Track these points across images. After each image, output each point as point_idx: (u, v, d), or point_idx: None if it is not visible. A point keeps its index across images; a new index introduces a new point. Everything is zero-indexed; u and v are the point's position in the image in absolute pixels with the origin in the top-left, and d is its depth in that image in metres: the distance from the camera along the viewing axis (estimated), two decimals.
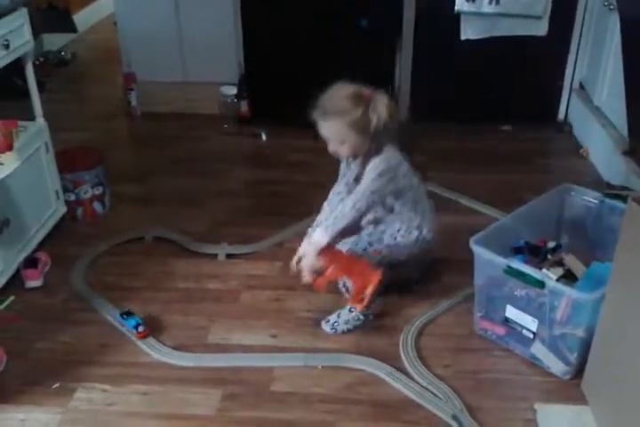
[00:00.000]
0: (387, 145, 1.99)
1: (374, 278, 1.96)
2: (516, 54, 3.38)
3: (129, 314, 2.07)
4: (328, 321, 2.09)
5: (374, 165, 1.97)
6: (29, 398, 1.84)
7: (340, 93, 1.95)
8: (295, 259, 1.99)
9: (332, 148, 1.99)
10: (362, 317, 2.10)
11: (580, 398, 1.83)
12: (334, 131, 1.94)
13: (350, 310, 2.10)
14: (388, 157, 1.98)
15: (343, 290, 2.15)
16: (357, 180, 2.06)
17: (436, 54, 3.42)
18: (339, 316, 2.10)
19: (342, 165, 2.15)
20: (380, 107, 1.91)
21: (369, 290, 1.95)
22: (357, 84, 1.96)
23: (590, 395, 1.82)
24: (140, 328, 2.03)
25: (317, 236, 1.94)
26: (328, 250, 1.95)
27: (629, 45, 2.86)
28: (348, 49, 3.37)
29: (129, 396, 1.86)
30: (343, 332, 2.07)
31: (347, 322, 2.09)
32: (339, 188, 2.18)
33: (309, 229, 2.15)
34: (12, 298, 2.22)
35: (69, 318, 2.15)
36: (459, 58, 3.39)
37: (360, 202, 1.95)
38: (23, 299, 2.23)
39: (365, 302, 1.99)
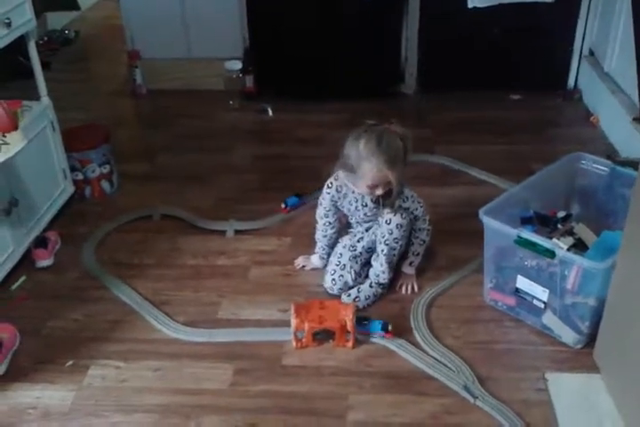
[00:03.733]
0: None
1: (349, 311, 1.92)
2: (524, 21, 3.31)
3: (367, 319, 1.95)
4: (349, 295, 2.08)
5: (415, 200, 2.11)
6: (44, 376, 1.86)
7: (393, 134, 1.95)
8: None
9: (379, 192, 1.99)
10: (381, 291, 2.11)
11: (591, 367, 1.83)
12: (395, 175, 1.94)
13: (371, 286, 2.10)
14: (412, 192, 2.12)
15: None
16: (374, 215, 2.11)
17: (443, 23, 3.36)
18: (359, 291, 2.09)
19: (327, 197, 2.13)
20: (409, 137, 1.97)
21: (349, 326, 1.90)
22: (378, 122, 1.99)
23: (602, 364, 1.82)
24: (390, 327, 1.92)
25: (412, 271, 2.18)
26: (299, 307, 1.94)
27: None
28: (353, 20, 3.33)
29: (142, 372, 1.87)
30: (364, 307, 2.07)
31: (367, 298, 2.09)
32: (327, 219, 2.18)
33: (312, 257, 2.25)
34: (23, 278, 2.23)
35: (81, 296, 2.17)
36: (466, 26, 3.34)
37: (426, 213, 2.15)
38: (34, 278, 2.25)
39: (352, 338, 1.92)
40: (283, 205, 2.52)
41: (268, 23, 3.40)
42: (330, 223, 2.19)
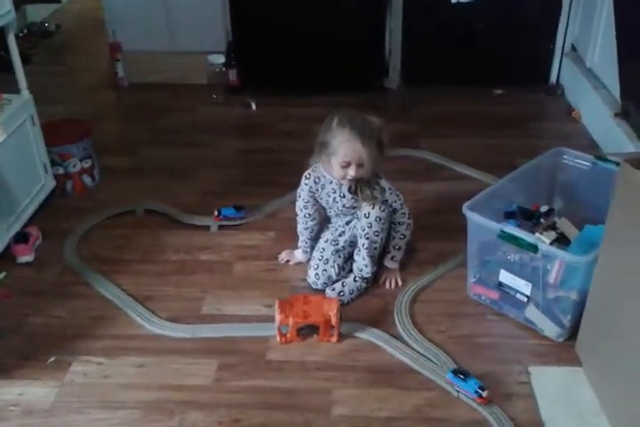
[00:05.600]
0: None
1: (333, 306, 1.92)
2: (507, 16, 3.33)
3: (464, 374, 1.75)
4: (334, 289, 2.08)
5: (393, 193, 2.10)
6: (25, 373, 1.85)
7: (367, 118, 1.99)
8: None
9: (352, 172, 1.98)
10: (365, 285, 2.11)
11: (573, 360, 1.85)
12: (367, 153, 1.95)
13: (355, 280, 2.10)
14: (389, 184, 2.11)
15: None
16: (352, 207, 2.12)
17: (427, 18, 3.37)
18: (343, 285, 2.09)
19: (305, 188, 2.14)
20: (382, 126, 2.00)
21: (334, 321, 1.90)
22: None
23: (584, 357, 1.84)
24: (484, 393, 1.70)
25: (395, 265, 2.18)
26: (283, 303, 1.94)
27: (621, 5, 2.81)
28: (337, 14, 3.32)
29: (124, 368, 1.86)
30: (348, 302, 2.08)
31: (351, 292, 2.09)
32: (307, 210, 2.18)
33: (296, 251, 2.26)
34: (3, 274, 2.19)
35: (62, 292, 2.15)
36: (450, 21, 3.35)
37: (404, 207, 2.14)
38: (15, 274, 2.22)
39: (337, 333, 1.92)
40: (215, 213, 2.45)
41: (251, 17, 3.37)
42: (309, 215, 2.19)
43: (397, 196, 2.12)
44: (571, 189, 2.26)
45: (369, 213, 2.03)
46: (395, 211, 2.12)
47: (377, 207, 2.04)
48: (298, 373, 1.84)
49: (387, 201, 2.08)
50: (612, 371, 1.69)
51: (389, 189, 2.09)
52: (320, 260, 2.13)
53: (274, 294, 2.07)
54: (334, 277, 2.12)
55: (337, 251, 2.14)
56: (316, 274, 2.12)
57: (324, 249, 2.15)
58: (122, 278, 2.19)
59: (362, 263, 2.10)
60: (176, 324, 2.00)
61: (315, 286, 2.12)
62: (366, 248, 2.07)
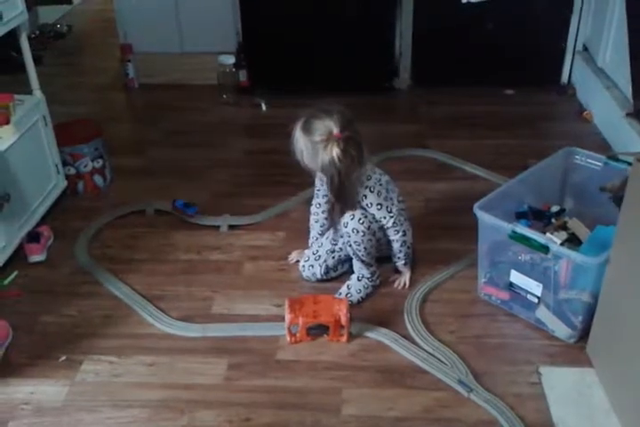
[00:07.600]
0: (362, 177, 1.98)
1: (343, 306, 1.92)
2: (518, 17, 3.32)
3: None
4: (340, 294, 2.07)
5: (383, 208, 2.02)
6: (37, 372, 1.86)
7: (326, 117, 1.90)
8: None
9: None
10: (370, 283, 2.10)
11: (584, 361, 1.84)
12: (297, 142, 1.96)
13: (358, 279, 2.09)
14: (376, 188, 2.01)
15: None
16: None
17: (437, 19, 3.36)
18: (349, 287, 2.09)
19: (318, 175, 2.10)
20: (328, 153, 1.86)
21: (344, 321, 1.90)
22: (345, 120, 1.89)
23: (595, 358, 1.83)
24: None
25: (403, 268, 2.15)
26: (293, 302, 1.94)
27: (633, 5, 2.80)
28: (348, 15, 3.32)
29: (135, 367, 1.87)
30: (358, 301, 2.07)
31: (359, 291, 2.08)
32: (318, 200, 2.19)
33: (306, 251, 2.20)
34: (15, 273, 2.22)
35: (73, 291, 2.16)
36: (460, 22, 3.34)
37: (397, 224, 2.04)
38: (27, 274, 2.24)
39: (347, 333, 1.91)
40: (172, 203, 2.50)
41: (261, 17, 3.38)
42: (320, 205, 2.18)
43: (389, 212, 2.02)
44: (582, 189, 2.24)
45: (347, 224, 1.99)
46: (386, 227, 2.05)
47: (356, 219, 1.97)
48: (308, 372, 1.84)
49: (373, 215, 2.02)
50: (623, 372, 1.67)
51: (378, 204, 2.01)
52: (314, 254, 2.14)
53: (284, 293, 2.08)
54: (318, 276, 2.13)
55: (332, 251, 2.14)
56: (303, 266, 2.15)
57: (322, 244, 2.16)
58: (132, 278, 2.20)
59: (357, 266, 2.09)
60: (186, 323, 2.01)
61: (301, 275, 2.15)
62: (354, 255, 2.06)
